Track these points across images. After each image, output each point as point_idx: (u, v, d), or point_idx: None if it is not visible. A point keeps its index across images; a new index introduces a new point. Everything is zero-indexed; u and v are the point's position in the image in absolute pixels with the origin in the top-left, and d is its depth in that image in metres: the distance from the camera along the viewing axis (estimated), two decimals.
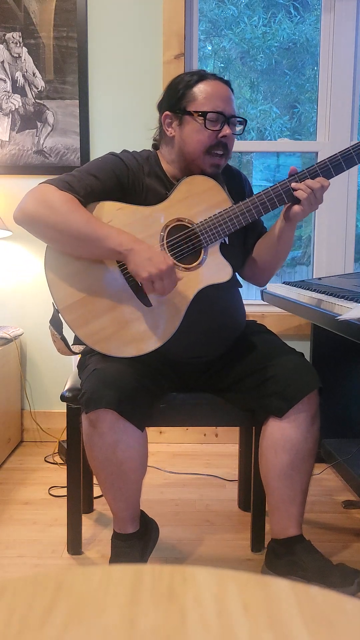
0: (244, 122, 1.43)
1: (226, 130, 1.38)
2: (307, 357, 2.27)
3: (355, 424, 2.22)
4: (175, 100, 1.40)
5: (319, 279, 2.20)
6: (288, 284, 2.12)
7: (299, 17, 2.66)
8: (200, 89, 1.38)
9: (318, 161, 1.39)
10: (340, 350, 2.20)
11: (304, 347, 2.23)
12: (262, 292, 2.23)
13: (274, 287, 2.16)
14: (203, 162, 1.40)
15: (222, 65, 2.74)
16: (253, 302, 2.49)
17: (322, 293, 1.69)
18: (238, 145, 2.56)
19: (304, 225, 3.01)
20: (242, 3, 2.67)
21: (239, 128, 1.43)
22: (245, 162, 2.84)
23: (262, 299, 2.23)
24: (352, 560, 1.54)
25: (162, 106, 1.45)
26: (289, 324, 2.41)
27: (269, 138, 2.74)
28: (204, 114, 1.36)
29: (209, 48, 2.73)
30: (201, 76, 1.40)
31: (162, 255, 1.28)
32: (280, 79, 2.77)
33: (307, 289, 1.85)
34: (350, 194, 2.48)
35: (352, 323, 1.28)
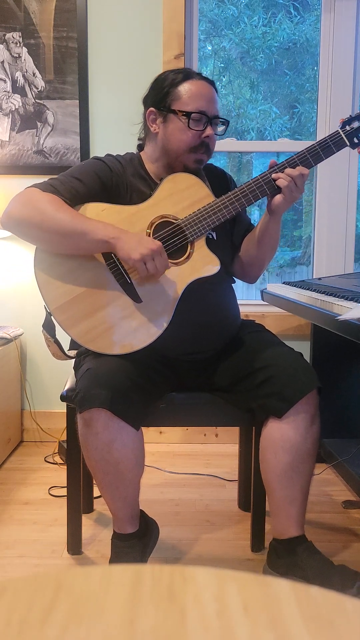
0: (226, 122, 1.45)
1: (209, 131, 1.40)
2: (307, 357, 2.27)
3: (355, 424, 2.22)
4: (160, 97, 1.42)
5: (319, 279, 2.20)
6: (288, 284, 2.12)
7: (299, 17, 2.66)
8: (185, 88, 1.40)
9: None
10: (340, 350, 2.20)
11: (304, 347, 2.23)
12: (262, 292, 2.23)
13: (274, 287, 2.16)
14: (187, 159, 1.42)
15: (222, 65, 2.74)
16: (253, 302, 2.49)
17: (322, 293, 1.69)
18: (238, 145, 2.58)
19: (304, 225, 3.01)
20: (242, 3, 2.67)
21: (221, 128, 1.46)
22: (245, 162, 2.83)
23: (262, 299, 2.23)
24: (352, 561, 1.54)
25: (147, 102, 1.47)
26: (289, 324, 2.41)
27: (269, 138, 2.74)
28: (187, 114, 1.38)
29: (209, 48, 2.73)
30: (186, 75, 1.42)
31: (149, 238, 1.31)
32: (280, 79, 2.77)
33: (307, 289, 1.85)
34: (350, 194, 2.48)
35: (352, 323, 1.28)
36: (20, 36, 2.32)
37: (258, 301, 2.38)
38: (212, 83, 1.44)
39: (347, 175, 2.47)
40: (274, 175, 1.37)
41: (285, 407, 1.32)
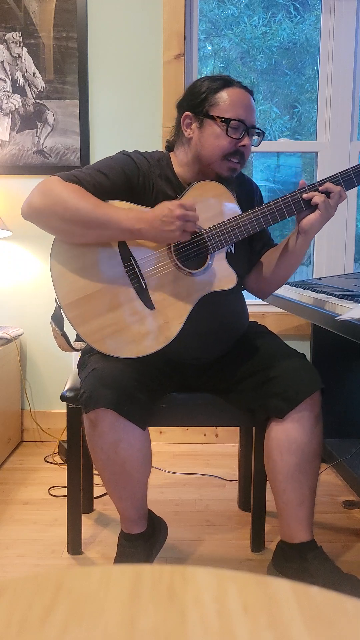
0: (262, 134, 1.42)
1: (246, 140, 1.37)
2: (307, 357, 2.27)
3: (355, 424, 2.22)
4: (197, 102, 1.39)
5: (319, 279, 2.20)
6: (288, 284, 2.12)
7: (299, 17, 2.66)
8: (225, 95, 1.37)
9: (330, 174, 1.39)
10: (340, 350, 2.20)
11: (304, 347, 2.23)
12: None
13: None
14: (220, 166, 1.39)
15: (222, 65, 2.74)
16: (253, 302, 2.49)
17: (322, 293, 1.69)
18: None
19: None
20: (242, 3, 2.67)
21: (256, 138, 1.42)
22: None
23: (262, 299, 2.23)
24: (353, 561, 1.54)
25: (182, 106, 1.44)
26: (289, 324, 2.41)
27: (269, 138, 2.74)
28: (227, 121, 1.35)
29: (209, 48, 2.73)
30: (226, 82, 1.39)
31: (165, 206, 1.26)
32: (280, 79, 2.77)
33: (307, 289, 1.85)
34: (351, 194, 2.48)
35: (352, 323, 1.28)
36: (20, 36, 2.32)
37: (258, 301, 2.38)
38: (251, 93, 1.41)
39: None
40: (305, 195, 1.34)
41: (287, 408, 1.32)
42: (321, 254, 2.52)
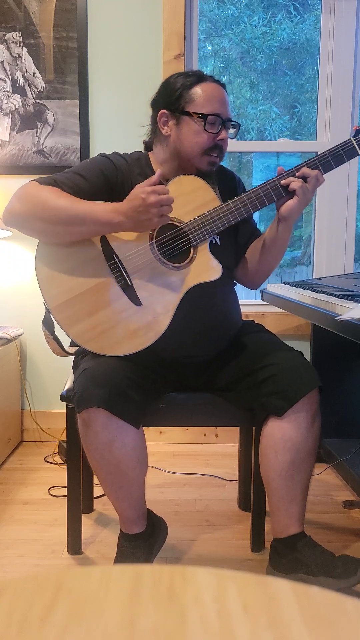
0: (237, 125, 1.45)
1: (224, 134, 1.39)
2: (307, 357, 2.27)
3: (355, 424, 2.22)
4: (173, 100, 1.41)
5: (319, 279, 2.20)
6: (288, 284, 2.12)
7: (299, 17, 2.66)
8: (199, 91, 1.39)
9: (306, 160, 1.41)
10: (340, 350, 2.20)
11: (304, 347, 2.23)
12: (262, 292, 2.23)
13: (274, 287, 2.16)
14: (200, 161, 1.41)
15: (222, 65, 2.74)
16: (253, 302, 2.49)
17: (322, 293, 1.69)
18: (238, 145, 2.58)
19: (304, 225, 3.01)
20: (242, 3, 2.67)
21: (232, 131, 1.45)
22: (245, 162, 2.83)
23: (262, 299, 2.23)
24: None
25: (157, 104, 1.45)
26: (289, 324, 2.41)
27: (269, 138, 2.74)
28: (204, 116, 1.37)
29: (209, 48, 2.73)
30: (199, 77, 1.40)
31: (139, 193, 1.24)
32: (280, 79, 2.77)
33: (307, 289, 1.85)
34: (350, 194, 2.48)
35: (352, 323, 1.28)
36: (20, 36, 2.32)
37: (258, 301, 2.38)
38: (223, 86, 1.43)
39: (347, 175, 2.47)
40: (283, 182, 1.36)
41: (286, 406, 1.32)
42: (321, 254, 2.52)
